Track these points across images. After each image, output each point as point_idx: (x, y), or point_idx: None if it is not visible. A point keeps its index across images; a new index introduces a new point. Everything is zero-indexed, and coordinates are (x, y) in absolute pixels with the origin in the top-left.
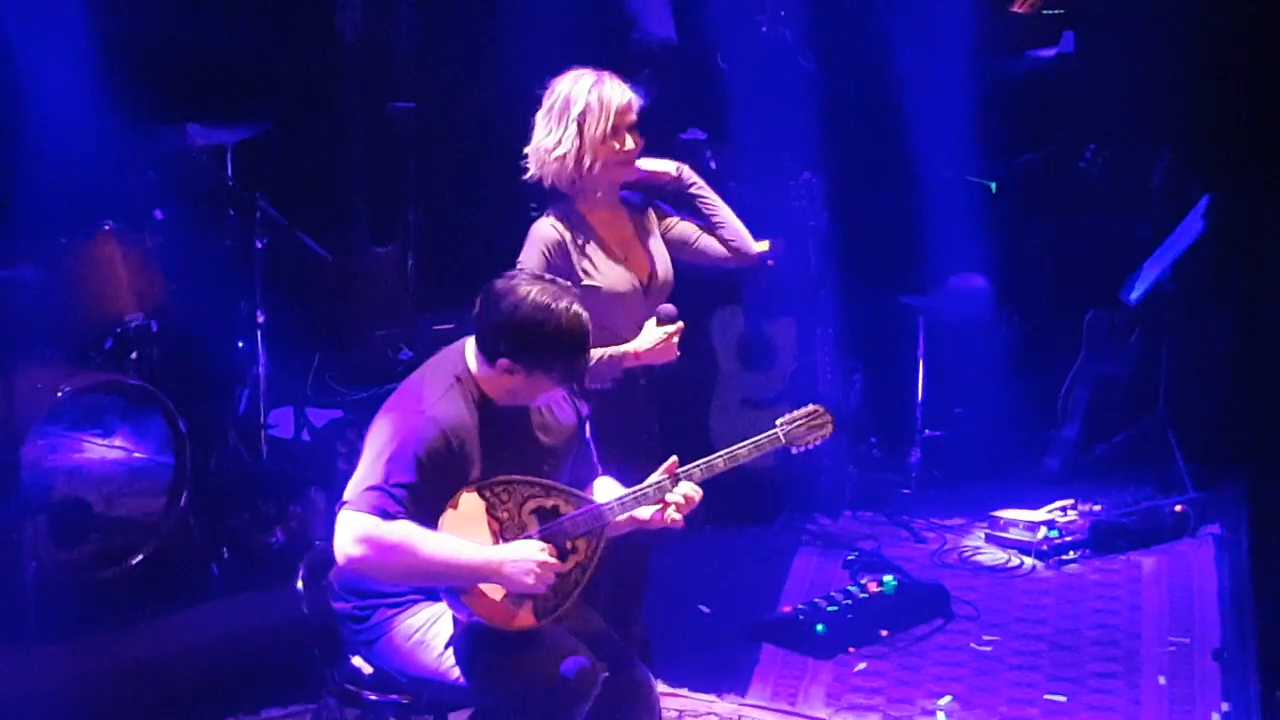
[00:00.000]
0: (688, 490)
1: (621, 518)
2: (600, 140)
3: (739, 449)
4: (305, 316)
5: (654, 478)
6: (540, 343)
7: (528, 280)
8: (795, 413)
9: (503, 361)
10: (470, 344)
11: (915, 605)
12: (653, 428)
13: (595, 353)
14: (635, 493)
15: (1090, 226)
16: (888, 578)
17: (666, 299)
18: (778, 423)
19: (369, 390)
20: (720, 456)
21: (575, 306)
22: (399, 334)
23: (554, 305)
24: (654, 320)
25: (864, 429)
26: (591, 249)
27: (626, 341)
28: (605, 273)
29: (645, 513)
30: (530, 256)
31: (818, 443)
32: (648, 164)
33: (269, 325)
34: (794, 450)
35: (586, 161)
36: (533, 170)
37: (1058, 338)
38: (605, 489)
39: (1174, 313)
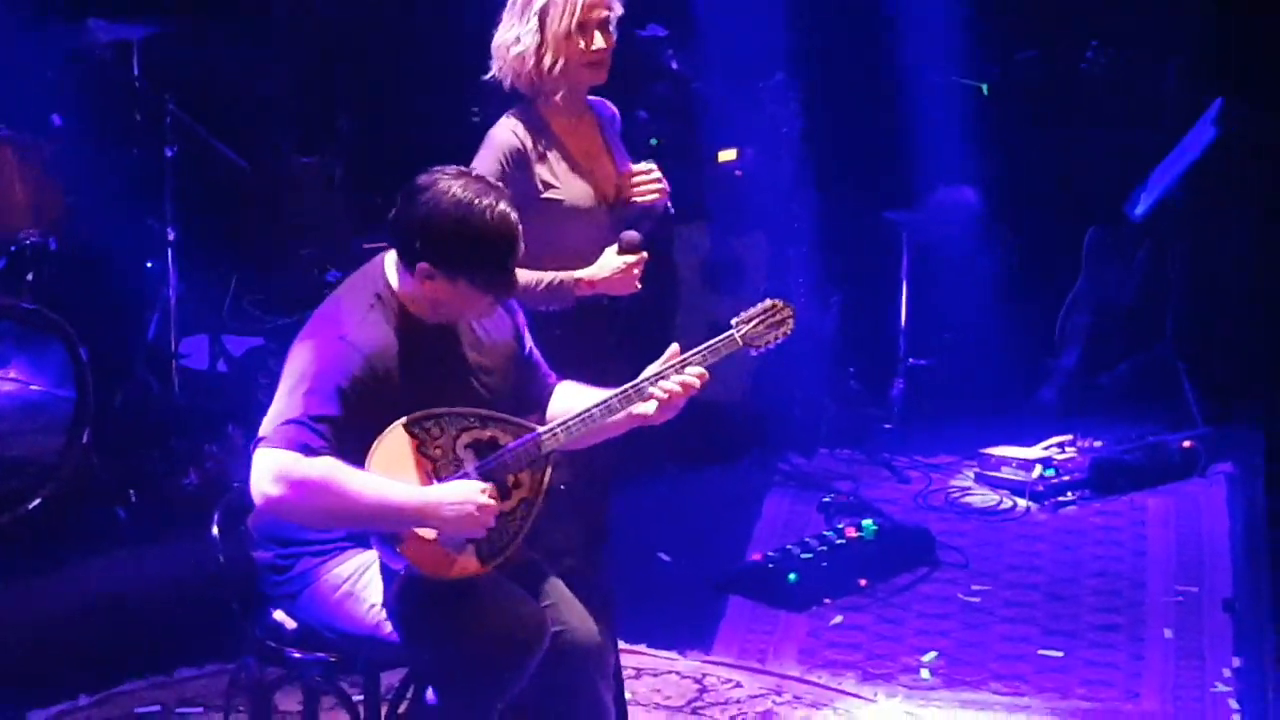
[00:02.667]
0: (694, 377)
1: (617, 417)
2: (564, 36)
3: (691, 355)
4: (221, 233)
5: (652, 369)
6: (460, 243)
7: (451, 175)
8: (750, 310)
9: (421, 266)
10: (391, 258)
11: (897, 552)
12: (617, 351)
13: (544, 275)
14: (620, 394)
15: (1092, 134)
16: (867, 522)
17: (633, 220)
18: (733, 322)
19: (292, 316)
20: (669, 365)
21: (503, 205)
22: (326, 253)
23: (477, 202)
24: (614, 247)
25: (842, 358)
26: (553, 157)
27: (587, 263)
28: (566, 185)
29: (649, 405)
30: (485, 163)
31: (779, 341)
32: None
33: (181, 243)
34: (753, 352)
35: (548, 61)
36: (495, 68)
37: (1055, 257)
38: (568, 398)
39: (1183, 229)
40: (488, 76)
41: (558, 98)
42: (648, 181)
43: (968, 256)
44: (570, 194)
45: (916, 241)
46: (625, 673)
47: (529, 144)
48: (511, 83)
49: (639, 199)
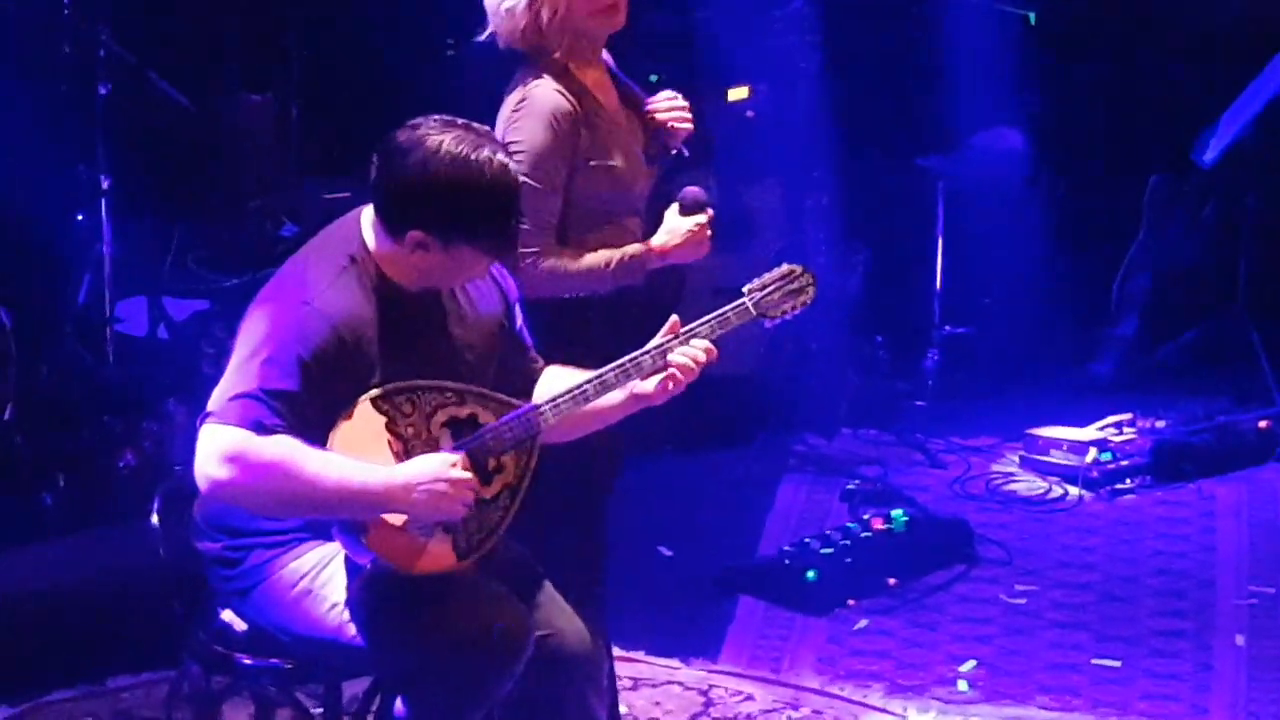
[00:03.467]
0: (700, 350)
1: (614, 397)
2: None
3: (697, 327)
4: (161, 182)
5: (654, 342)
6: (461, 205)
7: (438, 127)
8: (766, 276)
9: (413, 234)
10: (368, 214)
11: (931, 546)
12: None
13: (610, 255)
14: (616, 368)
15: (1154, 69)
16: (896, 512)
17: (670, 165)
18: (745, 290)
19: (242, 275)
20: (671, 339)
21: (500, 156)
22: (279, 204)
23: (475, 156)
24: (675, 207)
25: (868, 325)
26: (596, 119)
27: (627, 228)
28: (614, 147)
29: (649, 382)
30: (533, 133)
31: (797, 311)
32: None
33: (115, 193)
34: (767, 323)
35: (545, 14)
36: (491, 27)
37: (1112, 210)
38: (556, 382)
39: (1257, 178)
40: (482, 38)
41: (575, 51)
42: (676, 108)
43: (1012, 209)
44: (620, 156)
45: (953, 191)
46: (620, 683)
47: (576, 105)
48: (508, 43)
49: (674, 126)
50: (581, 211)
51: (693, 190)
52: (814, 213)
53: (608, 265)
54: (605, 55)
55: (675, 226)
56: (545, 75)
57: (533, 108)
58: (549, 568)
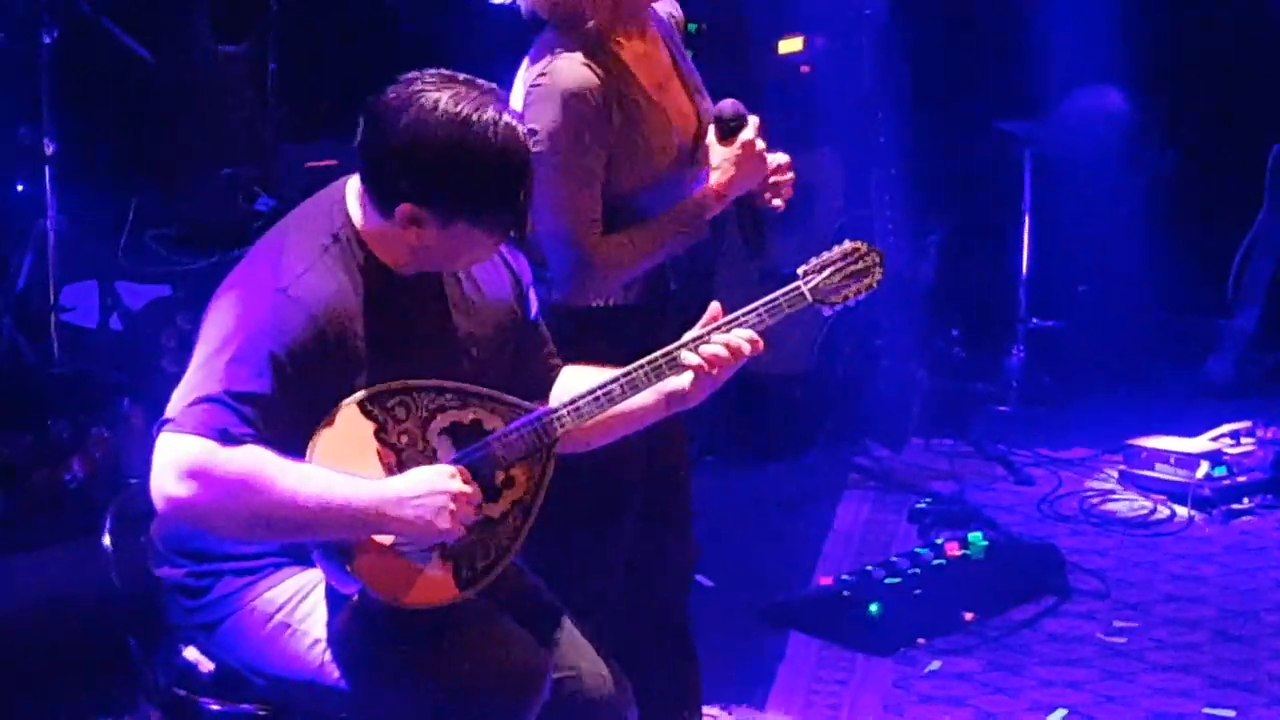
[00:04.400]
0: (742, 340)
1: (643, 399)
2: None
3: (742, 315)
4: (117, 147)
5: (691, 334)
6: (461, 176)
7: (435, 83)
8: (824, 255)
9: (405, 209)
10: (354, 186)
11: (1015, 576)
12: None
13: (657, 224)
14: (647, 365)
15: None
16: (974, 535)
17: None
18: (800, 271)
19: (209, 256)
20: (710, 329)
21: (507, 117)
22: (253, 173)
23: (477, 117)
24: (712, 133)
25: (942, 317)
26: (629, 95)
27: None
28: (653, 133)
29: (685, 379)
30: (558, 118)
31: (860, 296)
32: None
33: (62, 159)
34: (826, 311)
35: None
36: None
37: (1228, 184)
38: (577, 381)
39: None
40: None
41: (616, 20)
42: (748, 151)
43: (1111, 182)
44: (660, 146)
45: (1042, 161)
46: None
47: (606, 81)
48: (533, 9)
49: (772, 202)
50: (609, 208)
51: (727, 104)
52: (880, 186)
53: (666, 233)
54: (665, 18)
55: (723, 155)
56: (574, 46)
57: (554, 87)
58: (567, 599)
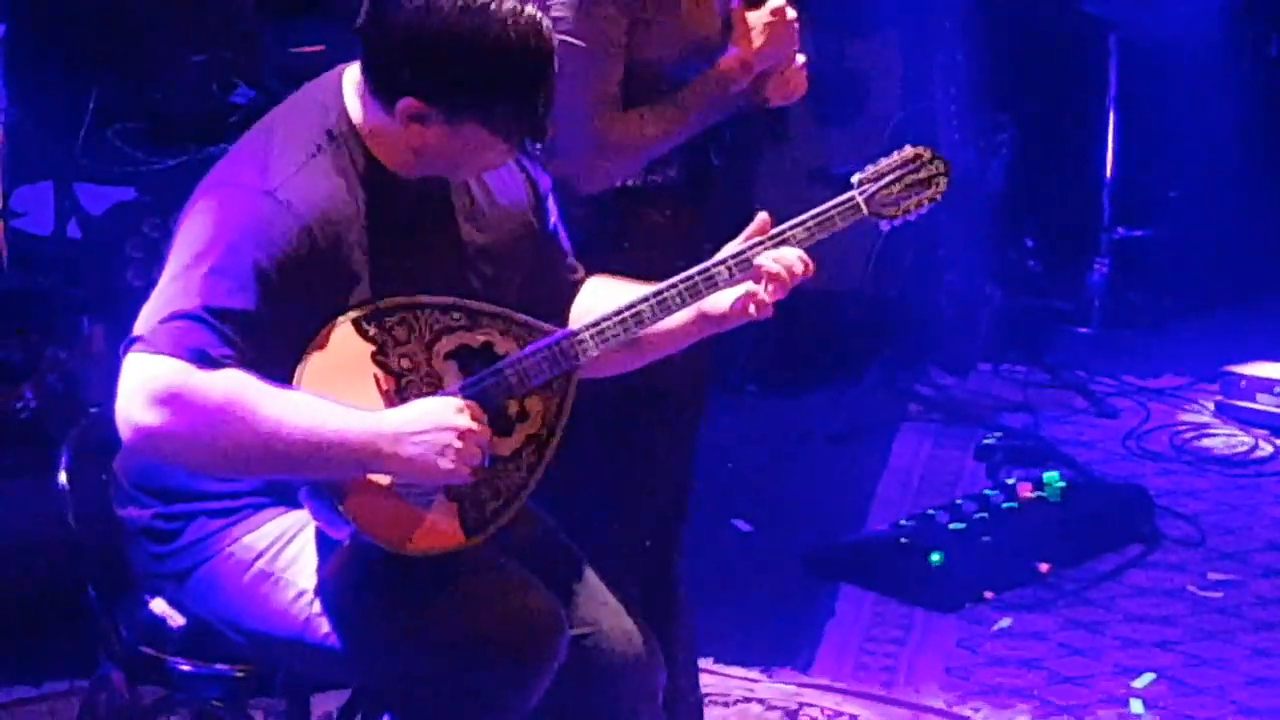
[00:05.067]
0: (789, 257)
1: (677, 319)
2: None
3: (790, 229)
4: (74, 29)
5: (731, 247)
6: (473, 68)
7: None
8: (881, 162)
9: (408, 103)
10: (352, 76)
11: (1097, 521)
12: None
13: (676, 101)
14: (681, 283)
15: None
16: (1050, 475)
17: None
18: (855, 180)
19: (181, 154)
20: (756, 243)
21: (529, 7)
22: (232, 60)
23: (494, 5)
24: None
25: (1014, 225)
26: None
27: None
28: (681, 16)
29: (724, 300)
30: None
31: (922, 209)
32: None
33: (10, 43)
34: (884, 225)
35: None
36: None
37: None
38: (602, 297)
39: None
40: None
41: None
42: (779, 19)
43: (1210, 73)
44: (691, 9)
45: (1131, 47)
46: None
47: None
48: None
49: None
50: (636, 80)
51: None
52: (944, 76)
53: (687, 110)
54: None
55: (751, 23)
56: None
57: None
58: (589, 547)
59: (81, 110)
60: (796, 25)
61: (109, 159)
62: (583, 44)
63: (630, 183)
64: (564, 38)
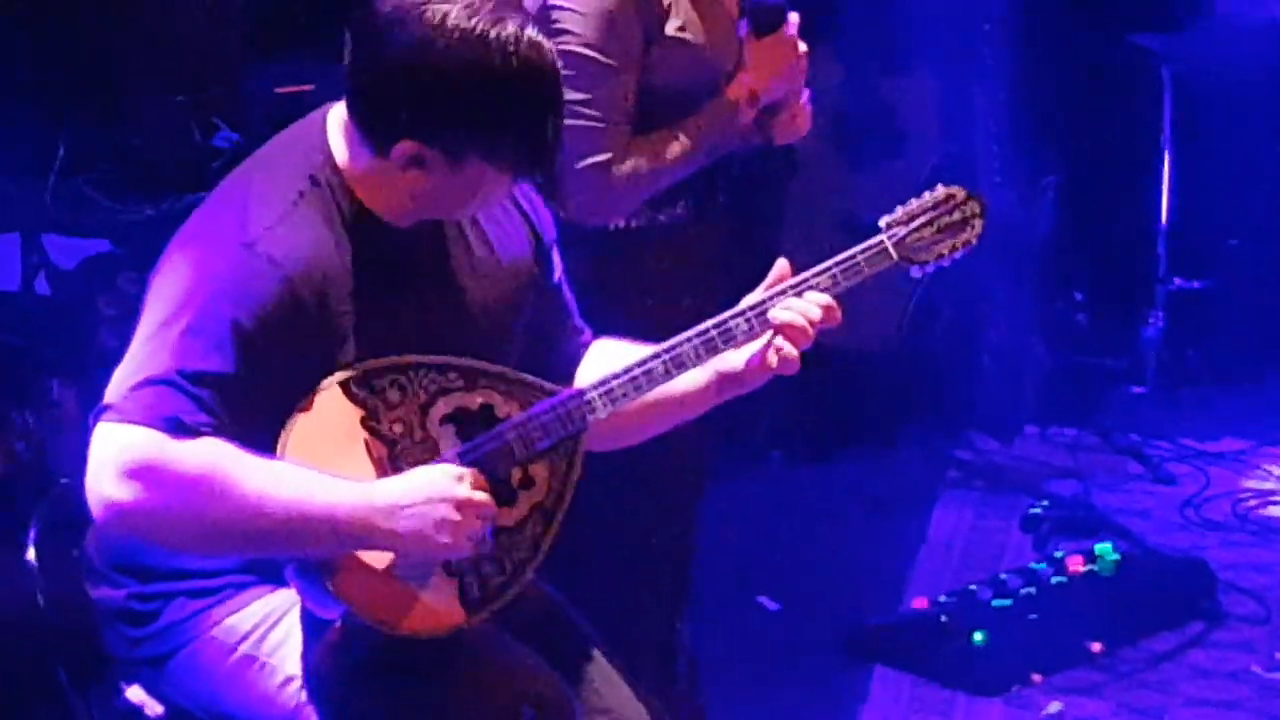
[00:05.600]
0: (813, 305)
1: (693, 379)
2: None
3: (813, 276)
4: (42, 67)
5: (751, 298)
6: (476, 100)
7: None
8: (913, 203)
9: (405, 146)
10: (338, 117)
11: (1154, 597)
12: (729, 268)
13: (681, 130)
14: (696, 337)
15: None
16: (1103, 547)
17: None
18: (883, 223)
19: (158, 204)
20: (776, 292)
21: (530, 32)
22: (213, 101)
23: (495, 33)
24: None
25: (1061, 277)
26: None
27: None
28: (701, 10)
29: (743, 356)
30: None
31: (958, 253)
32: None
33: None
34: (915, 272)
35: None
36: None
37: None
38: (610, 358)
39: None
40: None
41: None
42: (790, 50)
43: (1273, 106)
44: (704, 22)
45: (1187, 83)
46: None
47: None
48: None
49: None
50: (651, 97)
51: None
52: (986, 112)
53: (693, 140)
54: None
55: (757, 54)
56: None
57: None
58: (600, 624)
59: (50, 155)
60: (806, 57)
61: (81, 208)
62: (601, 58)
63: (634, 223)
64: (580, 50)
